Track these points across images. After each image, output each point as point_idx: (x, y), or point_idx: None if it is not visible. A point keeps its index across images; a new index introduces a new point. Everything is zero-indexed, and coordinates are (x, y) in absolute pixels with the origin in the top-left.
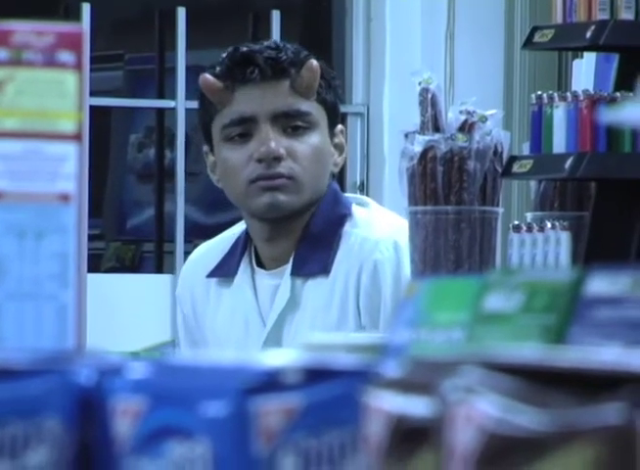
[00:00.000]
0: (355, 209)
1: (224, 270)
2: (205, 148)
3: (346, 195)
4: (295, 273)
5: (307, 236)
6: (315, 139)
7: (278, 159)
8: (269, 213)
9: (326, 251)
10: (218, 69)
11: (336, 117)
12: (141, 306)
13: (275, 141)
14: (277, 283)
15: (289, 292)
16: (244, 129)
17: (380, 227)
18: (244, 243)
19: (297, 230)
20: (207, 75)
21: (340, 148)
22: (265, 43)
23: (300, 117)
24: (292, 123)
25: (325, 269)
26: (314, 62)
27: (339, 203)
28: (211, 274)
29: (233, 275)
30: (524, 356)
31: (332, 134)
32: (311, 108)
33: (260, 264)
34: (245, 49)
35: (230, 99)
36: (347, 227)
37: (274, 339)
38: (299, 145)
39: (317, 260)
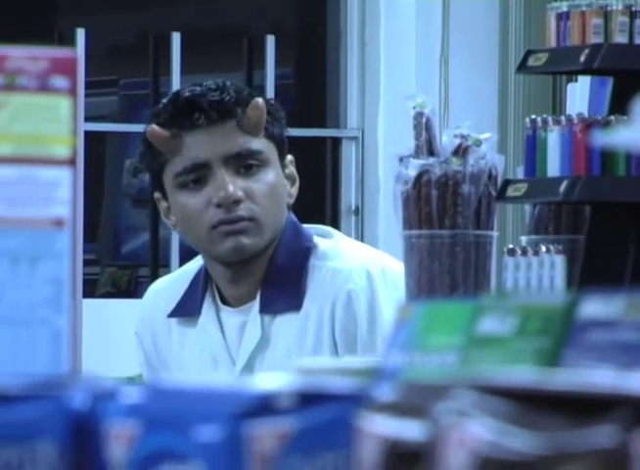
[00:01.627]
0: (318, 240)
1: (186, 309)
2: (157, 194)
3: (306, 226)
4: (264, 311)
5: (272, 272)
6: (270, 176)
7: (237, 202)
8: (233, 257)
9: (294, 286)
10: (162, 117)
11: (284, 149)
12: None
13: (232, 184)
14: (244, 320)
15: (259, 331)
16: (198, 175)
17: (350, 257)
18: (204, 281)
19: (259, 270)
20: (154, 126)
21: (291, 178)
22: (206, 84)
23: (252, 156)
24: (244, 163)
25: (296, 305)
26: (259, 100)
27: (300, 236)
28: (173, 314)
29: (196, 314)
30: (517, 380)
31: (282, 166)
32: (261, 145)
33: (224, 301)
34: (187, 94)
35: (179, 146)
36: (313, 260)
37: (245, 377)
38: (256, 184)
39: (286, 296)
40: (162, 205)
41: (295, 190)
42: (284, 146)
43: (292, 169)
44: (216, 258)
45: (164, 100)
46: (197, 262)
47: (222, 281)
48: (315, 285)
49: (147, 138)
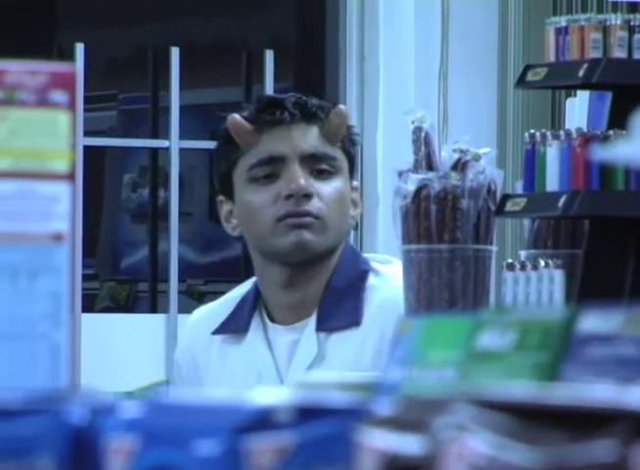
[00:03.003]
0: (377, 265)
1: (233, 327)
2: (221, 197)
3: (368, 255)
4: (321, 328)
5: (330, 292)
6: (339, 184)
7: (308, 196)
8: (295, 253)
9: (353, 303)
10: (246, 112)
11: (354, 171)
12: (135, 346)
13: (304, 179)
14: (296, 338)
15: (316, 347)
16: (271, 170)
17: None
18: (253, 299)
19: (315, 278)
20: (236, 117)
21: (355, 203)
22: (291, 93)
23: (327, 161)
24: (318, 166)
25: (355, 321)
26: (343, 107)
27: (358, 259)
28: (218, 331)
29: (243, 332)
30: (516, 394)
31: (350, 187)
32: (337, 153)
33: (272, 320)
34: (272, 95)
35: (257, 141)
36: (374, 281)
37: None
38: (326, 187)
39: (344, 314)
40: (225, 208)
41: (357, 214)
42: (354, 168)
43: (356, 195)
44: (277, 255)
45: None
46: (242, 289)
47: (276, 286)
48: (377, 303)
49: (225, 132)
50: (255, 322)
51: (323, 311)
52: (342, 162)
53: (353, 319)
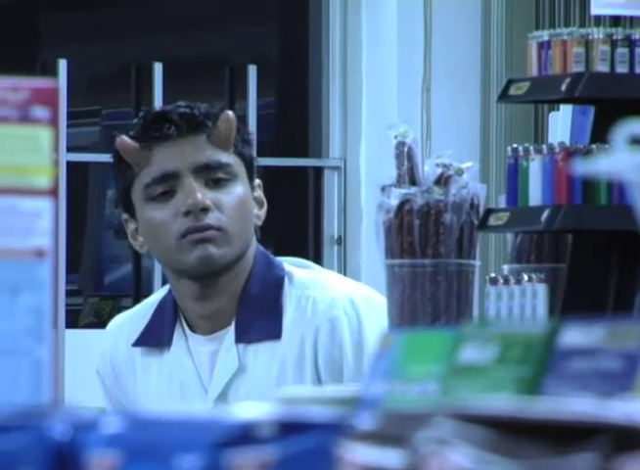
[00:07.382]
0: (292, 269)
1: (153, 339)
2: (125, 216)
3: (281, 258)
4: (240, 340)
5: (246, 300)
6: (238, 190)
7: (205, 210)
8: (201, 268)
9: (271, 314)
10: (134, 131)
11: (253, 171)
12: None
13: (201, 192)
14: (215, 348)
15: (236, 360)
16: (166, 186)
17: (331, 286)
18: (172, 310)
19: (227, 288)
20: (124, 137)
21: (259, 202)
22: (177, 104)
23: (222, 169)
24: (213, 176)
25: (275, 333)
26: (230, 112)
27: (271, 265)
28: (138, 343)
29: (165, 345)
30: (497, 408)
31: (251, 187)
32: (230, 159)
33: (192, 330)
34: (158, 109)
35: (148, 159)
36: (290, 289)
37: (220, 405)
38: (224, 196)
39: (264, 325)
40: (130, 226)
41: (263, 213)
42: (252, 168)
43: (259, 193)
44: (185, 271)
45: (135, 119)
46: (158, 295)
47: (190, 299)
48: (295, 314)
49: (117, 152)
50: (177, 334)
51: (241, 322)
52: (238, 167)
53: (273, 331)
